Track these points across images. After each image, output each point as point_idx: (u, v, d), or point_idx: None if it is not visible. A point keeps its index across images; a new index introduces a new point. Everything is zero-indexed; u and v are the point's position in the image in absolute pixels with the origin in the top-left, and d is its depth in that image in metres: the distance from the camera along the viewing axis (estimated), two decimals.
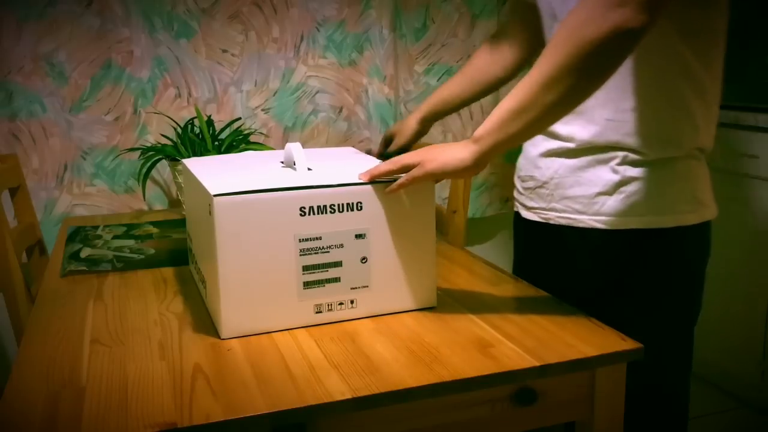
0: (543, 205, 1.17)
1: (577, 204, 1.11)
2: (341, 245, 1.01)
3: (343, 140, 2.15)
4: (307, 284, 1.00)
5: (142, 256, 1.39)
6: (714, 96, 1.08)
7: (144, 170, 1.78)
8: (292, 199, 0.98)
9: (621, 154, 1.06)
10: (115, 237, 1.55)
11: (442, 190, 2.15)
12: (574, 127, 1.09)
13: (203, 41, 1.96)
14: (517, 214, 1.27)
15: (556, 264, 1.19)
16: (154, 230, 1.61)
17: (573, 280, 1.15)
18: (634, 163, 1.06)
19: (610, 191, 1.08)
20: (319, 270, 1.01)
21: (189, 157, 1.69)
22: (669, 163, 1.06)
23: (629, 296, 1.10)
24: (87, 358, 0.93)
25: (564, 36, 0.87)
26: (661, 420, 1.14)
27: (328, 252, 1.00)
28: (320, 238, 1.00)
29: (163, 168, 1.95)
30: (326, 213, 0.99)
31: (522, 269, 1.30)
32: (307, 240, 0.99)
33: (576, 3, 0.88)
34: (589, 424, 0.95)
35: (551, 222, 1.16)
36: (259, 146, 1.77)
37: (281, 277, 0.99)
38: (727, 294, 2.24)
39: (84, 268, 1.33)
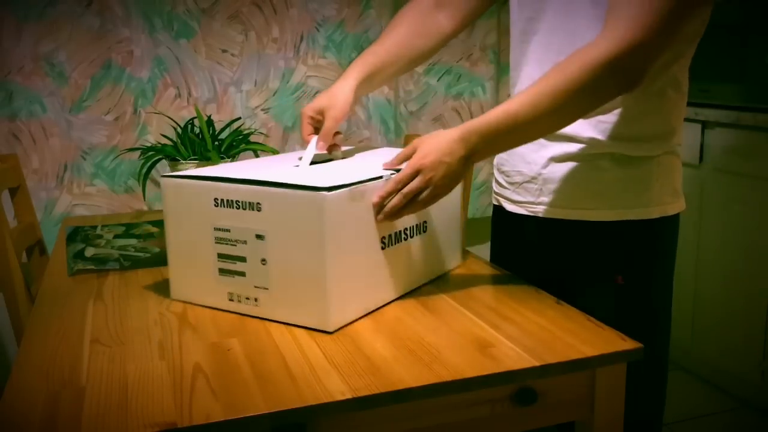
0: (531, 199, 1.19)
1: (566, 198, 1.14)
2: (245, 242, 1.03)
3: (343, 140, 2.15)
4: (222, 271, 1.07)
5: (148, 255, 1.40)
6: (686, 92, 1.14)
7: (144, 170, 1.78)
8: (209, 190, 1.04)
9: (610, 152, 1.10)
10: (117, 236, 1.56)
11: None
12: (565, 128, 1.10)
13: (203, 41, 1.96)
14: (499, 207, 1.29)
15: (542, 256, 1.21)
16: (154, 229, 1.61)
17: (560, 271, 1.17)
18: (622, 161, 1.10)
19: (599, 186, 1.11)
20: (229, 260, 1.06)
21: (189, 156, 1.69)
22: (654, 159, 1.11)
23: (616, 285, 1.13)
24: (87, 358, 0.93)
25: (568, 82, 0.94)
26: (641, 396, 1.17)
27: (235, 245, 1.04)
28: (229, 231, 1.04)
29: (163, 168, 1.96)
30: (232, 208, 1.03)
31: (501, 261, 1.32)
32: (219, 230, 1.05)
33: (596, 38, 0.95)
34: (589, 424, 0.95)
35: (539, 215, 1.17)
36: (259, 146, 1.77)
37: (206, 258, 1.07)
38: (727, 294, 2.24)
39: (92, 266, 1.33)
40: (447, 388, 0.85)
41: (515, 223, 1.24)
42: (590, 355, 0.91)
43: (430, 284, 1.19)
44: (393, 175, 1.04)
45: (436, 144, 1.00)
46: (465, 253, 1.36)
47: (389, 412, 0.84)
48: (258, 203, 1.00)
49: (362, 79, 1.20)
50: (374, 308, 1.08)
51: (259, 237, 1.02)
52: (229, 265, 1.05)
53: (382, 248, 1.07)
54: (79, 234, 1.58)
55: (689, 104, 1.18)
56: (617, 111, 1.08)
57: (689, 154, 2.29)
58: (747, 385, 2.24)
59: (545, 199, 1.16)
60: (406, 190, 1.01)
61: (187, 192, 1.07)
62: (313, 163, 1.15)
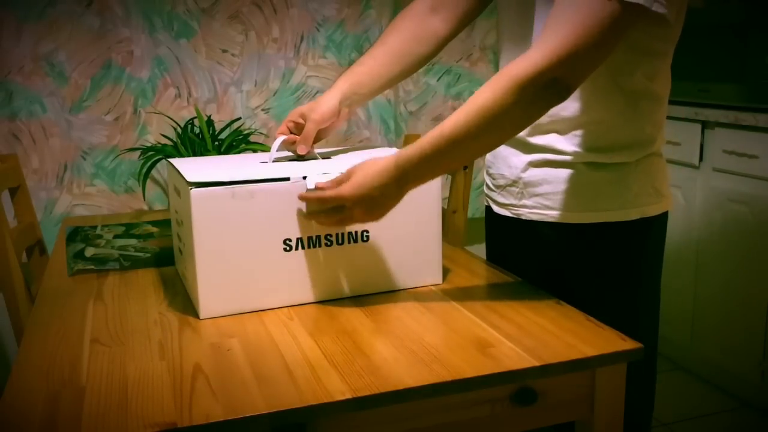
0: (514, 201, 1.20)
1: (547, 200, 1.15)
2: (181, 222, 1.13)
3: (343, 140, 2.15)
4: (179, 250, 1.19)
5: (148, 255, 1.40)
6: (666, 97, 1.13)
7: (144, 170, 1.78)
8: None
9: (588, 159, 1.11)
10: (116, 236, 1.55)
11: (443, 190, 2.14)
12: (545, 137, 1.13)
13: (203, 41, 1.96)
14: (489, 208, 1.30)
15: (528, 257, 1.22)
16: (154, 229, 1.61)
17: (544, 272, 1.18)
18: (599, 167, 1.11)
19: (578, 189, 1.12)
20: (178, 240, 1.19)
21: (189, 156, 1.69)
22: (632, 163, 1.12)
23: (600, 286, 1.14)
24: (87, 358, 0.93)
25: (497, 99, 0.93)
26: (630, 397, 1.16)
27: (178, 225, 1.18)
28: (177, 212, 1.20)
29: (163, 168, 1.95)
30: (177, 193, 1.14)
31: (495, 260, 1.33)
32: (175, 212, 1.18)
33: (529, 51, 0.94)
34: (589, 424, 0.95)
35: (522, 218, 1.18)
36: (259, 146, 1.77)
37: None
38: (727, 294, 2.24)
39: (92, 266, 1.33)
40: (447, 388, 0.85)
41: (503, 224, 1.25)
42: (590, 355, 0.91)
43: (430, 285, 1.19)
44: (318, 184, 1.05)
45: (369, 176, 1.00)
46: (447, 272, 1.35)
47: (389, 412, 0.84)
48: (177, 190, 1.12)
49: (348, 89, 1.21)
50: (272, 307, 1.09)
51: (179, 222, 1.15)
52: (179, 243, 1.19)
53: (287, 250, 1.07)
54: (79, 234, 1.58)
55: (689, 104, 1.19)
56: (591, 124, 1.09)
57: (689, 154, 2.29)
58: (747, 385, 2.24)
59: (527, 201, 1.17)
60: (323, 218, 1.06)
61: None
62: (277, 160, 1.20)
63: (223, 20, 1.96)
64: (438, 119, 2.23)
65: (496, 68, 2.24)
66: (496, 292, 1.16)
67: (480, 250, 2.40)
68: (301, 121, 1.22)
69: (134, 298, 1.16)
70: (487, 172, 1.28)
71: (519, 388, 0.90)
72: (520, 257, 1.25)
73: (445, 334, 0.98)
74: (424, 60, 1.29)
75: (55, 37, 1.83)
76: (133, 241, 1.51)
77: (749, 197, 2.14)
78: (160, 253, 1.41)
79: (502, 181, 1.22)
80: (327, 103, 1.20)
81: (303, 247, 1.08)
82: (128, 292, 1.19)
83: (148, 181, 1.95)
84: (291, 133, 1.24)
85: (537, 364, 0.89)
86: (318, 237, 1.09)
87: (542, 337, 0.96)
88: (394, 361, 0.90)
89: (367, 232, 1.12)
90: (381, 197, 1.01)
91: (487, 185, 1.29)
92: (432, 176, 1.04)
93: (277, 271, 1.08)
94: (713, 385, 2.37)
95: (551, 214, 1.15)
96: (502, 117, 0.94)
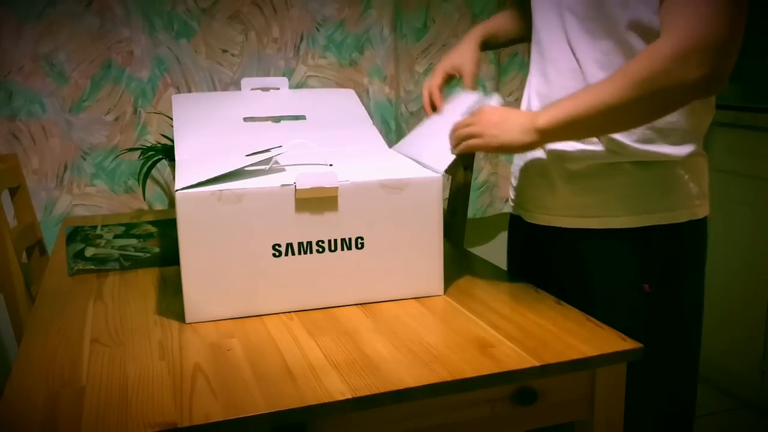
0: (551, 209, 1.16)
1: (588, 208, 1.11)
2: None
3: None
4: None
5: (148, 255, 1.40)
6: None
7: (144, 170, 1.78)
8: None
9: (631, 161, 1.08)
10: (116, 236, 1.56)
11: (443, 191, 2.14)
12: (582, 141, 1.10)
13: (203, 41, 1.96)
14: (517, 218, 1.26)
15: (564, 267, 1.18)
16: (154, 229, 1.61)
17: (585, 282, 1.14)
18: (647, 166, 1.08)
19: (623, 192, 1.09)
20: None
21: None
22: (680, 161, 1.09)
23: (644, 294, 1.10)
24: (87, 357, 0.93)
25: (641, 74, 0.92)
26: (667, 416, 1.14)
27: None
28: None
29: (163, 168, 1.95)
30: None
31: (521, 272, 1.29)
32: None
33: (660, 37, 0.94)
34: (589, 424, 0.95)
35: (560, 226, 1.15)
36: None
37: None
38: (727, 294, 2.24)
39: (92, 267, 1.33)
40: (447, 388, 0.85)
41: (534, 234, 1.22)
42: (590, 355, 0.91)
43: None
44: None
45: (504, 108, 1.07)
46: (448, 281, 1.35)
47: (389, 412, 0.84)
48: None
49: (484, 39, 1.33)
50: (260, 314, 1.06)
51: None
52: None
53: (276, 256, 1.05)
54: (79, 234, 1.58)
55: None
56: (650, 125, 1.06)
57: None
58: (747, 385, 2.24)
59: (565, 209, 1.14)
60: (462, 131, 1.09)
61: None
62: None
63: (223, 20, 1.96)
64: None
65: (497, 68, 2.24)
66: (496, 292, 1.16)
67: (480, 250, 2.40)
68: (454, 74, 1.30)
69: (134, 298, 1.16)
70: (517, 180, 1.24)
71: (519, 388, 0.90)
72: (553, 268, 1.20)
73: (445, 334, 0.98)
74: (524, 39, 1.35)
75: (55, 37, 1.82)
76: (133, 241, 1.51)
77: (749, 197, 2.14)
78: (160, 253, 1.41)
79: (537, 190, 1.18)
80: (472, 54, 1.30)
81: (293, 253, 1.05)
82: (128, 292, 1.19)
83: (148, 181, 1.95)
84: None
85: (537, 364, 0.89)
86: (309, 243, 1.06)
87: (542, 337, 0.96)
88: (394, 361, 0.90)
89: (362, 239, 1.08)
90: (511, 118, 1.03)
91: (517, 193, 1.25)
92: (556, 134, 1.01)
93: (266, 278, 1.05)
94: (713, 385, 2.37)
95: (597, 221, 1.11)
96: (646, 91, 0.92)
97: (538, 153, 1.17)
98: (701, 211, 1.12)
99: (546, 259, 1.22)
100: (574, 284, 1.15)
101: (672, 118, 1.05)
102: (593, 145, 1.09)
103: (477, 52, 1.30)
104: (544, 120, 1.00)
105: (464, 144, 1.08)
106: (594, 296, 1.12)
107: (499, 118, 1.04)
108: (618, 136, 1.07)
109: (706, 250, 1.16)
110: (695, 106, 1.06)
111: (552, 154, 1.14)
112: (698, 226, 1.12)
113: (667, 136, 1.07)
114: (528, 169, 1.20)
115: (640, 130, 1.06)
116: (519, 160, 1.24)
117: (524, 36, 1.35)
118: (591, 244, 1.12)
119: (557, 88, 1.09)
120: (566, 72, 1.09)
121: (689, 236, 1.11)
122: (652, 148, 1.07)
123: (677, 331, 1.12)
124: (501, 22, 1.37)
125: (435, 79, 1.30)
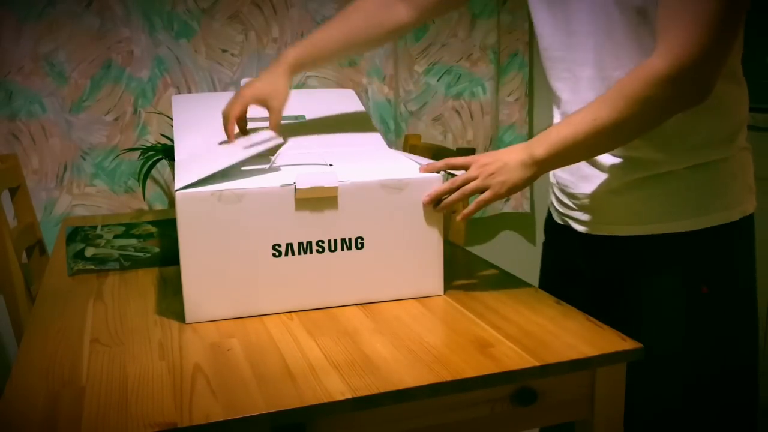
0: (601, 219, 1.13)
1: (649, 215, 1.09)
2: None
3: None
4: None
5: (148, 255, 1.40)
6: (743, 79, 1.14)
7: (144, 170, 1.78)
8: None
9: (689, 163, 1.06)
10: (116, 236, 1.56)
11: None
12: (635, 150, 1.08)
13: (203, 41, 1.96)
14: (566, 227, 1.21)
15: (623, 274, 1.14)
16: (154, 229, 1.61)
17: (647, 287, 1.11)
18: (700, 168, 1.06)
19: (681, 196, 1.07)
20: None
21: None
22: (730, 158, 1.08)
23: (701, 295, 1.08)
24: (87, 357, 0.93)
25: (638, 95, 0.95)
26: (730, 416, 1.12)
27: None
28: None
29: (163, 168, 1.95)
30: None
31: (557, 285, 1.25)
32: None
33: (653, 54, 0.95)
34: (589, 424, 0.95)
35: (612, 234, 1.12)
36: None
37: None
38: None
39: (92, 266, 1.33)
40: (447, 388, 0.85)
41: (583, 244, 1.18)
42: (590, 355, 0.91)
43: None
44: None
45: (494, 152, 1.06)
46: (448, 282, 1.35)
47: (389, 412, 0.84)
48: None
49: (298, 62, 1.20)
50: (260, 314, 1.06)
51: None
52: None
53: (276, 256, 1.04)
54: (79, 234, 1.58)
55: None
56: (678, 125, 1.03)
57: None
58: None
59: (617, 218, 1.11)
60: (465, 188, 1.06)
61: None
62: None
63: (223, 20, 1.96)
64: (438, 119, 2.23)
65: (497, 68, 2.24)
66: (496, 292, 1.16)
67: (480, 250, 2.40)
68: (259, 107, 1.17)
69: (134, 298, 1.16)
70: (563, 191, 1.20)
71: (519, 388, 0.90)
72: (600, 278, 1.18)
73: (445, 334, 0.98)
74: (378, 45, 1.28)
75: (55, 37, 1.82)
76: (133, 241, 1.51)
77: None
78: (160, 253, 1.41)
79: (586, 201, 1.15)
80: (283, 87, 1.17)
81: (293, 253, 1.05)
82: (128, 292, 1.19)
83: (148, 181, 1.95)
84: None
85: (537, 364, 0.89)
86: (309, 243, 1.06)
87: (542, 337, 0.96)
88: (394, 361, 0.90)
89: (362, 239, 1.08)
90: (511, 163, 1.03)
91: (558, 199, 1.22)
92: (554, 162, 1.03)
93: (266, 278, 1.05)
94: None
95: (647, 228, 1.09)
96: (633, 112, 0.95)
97: (585, 167, 1.14)
98: (750, 206, 1.11)
99: (599, 268, 1.18)
100: (632, 291, 1.12)
101: (716, 122, 1.06)
102: (647, 154, 1.07)
103: (287, 85, 1.18)
104: (543, 150, 1.01)
105: (475, 204, 1.06)
106: (653, 301, 1.09)
107: (497, 164, 1.04)
108: (671, 146, 1.06)
109: (754, 245, 1.13)
110: (730, 104, 1.10)
111: (606, 166, 1.11)
112: (748, 222, 1.10)
113: (714, 137, 1.07)
114: (578, 179, 1.16)
115: (692, 139, 1.05)
116: (562, 172, 1.20)
117: (373, 45, 1.28)
118: (652, 250, 1.10)
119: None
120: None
121: (741, 233, 1.10)
122: (705, 151, 1.06)
123: (736, 329, 1.09)
124: (328, 39, 1.23)
125: (234, 109, 1.16)
